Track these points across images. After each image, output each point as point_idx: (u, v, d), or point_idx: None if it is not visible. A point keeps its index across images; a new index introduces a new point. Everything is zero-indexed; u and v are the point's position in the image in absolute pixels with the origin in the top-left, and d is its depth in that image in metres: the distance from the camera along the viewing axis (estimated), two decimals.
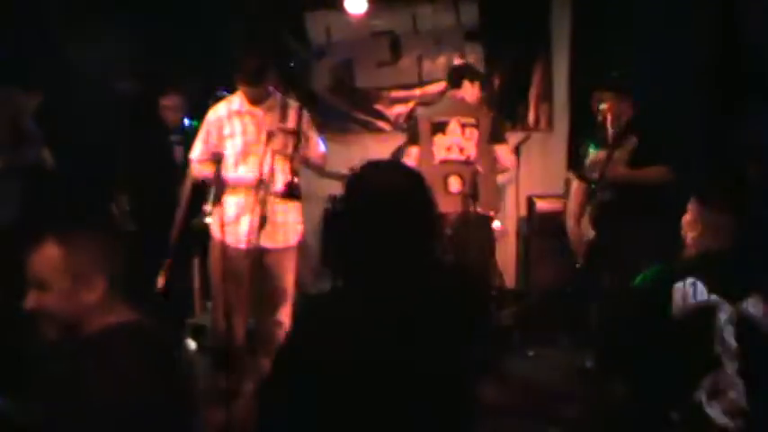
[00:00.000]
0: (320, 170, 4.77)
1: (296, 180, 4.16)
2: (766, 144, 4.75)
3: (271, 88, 4.48)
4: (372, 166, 2.06)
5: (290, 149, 4.23)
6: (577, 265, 5.14)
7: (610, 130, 4.88)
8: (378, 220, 1.95)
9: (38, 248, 2.04)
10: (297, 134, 4.25)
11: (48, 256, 2.03)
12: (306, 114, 4.45)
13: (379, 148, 6.78)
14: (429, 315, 1.93)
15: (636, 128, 4.81)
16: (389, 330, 1.89)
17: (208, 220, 4.22)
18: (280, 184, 4.25)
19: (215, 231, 4.33)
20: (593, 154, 4.97)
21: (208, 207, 4.20)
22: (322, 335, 1.90)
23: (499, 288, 6.48)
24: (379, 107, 7.14)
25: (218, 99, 4.59)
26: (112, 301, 2.09)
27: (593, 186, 4.89)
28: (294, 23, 7.01)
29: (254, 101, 4.40)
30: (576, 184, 5.33)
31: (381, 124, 7.16)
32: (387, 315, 1.90)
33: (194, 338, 5.41)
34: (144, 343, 2.06)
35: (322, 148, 4.63)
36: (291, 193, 4.18)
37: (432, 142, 5.03)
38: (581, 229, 5.10)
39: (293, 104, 4.44)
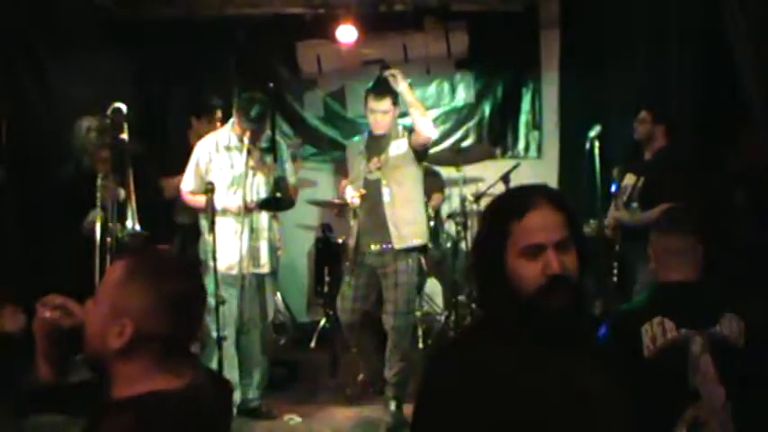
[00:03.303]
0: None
1: (278, 194, 4.53)
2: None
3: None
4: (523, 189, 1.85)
5: (267, 163, 4.63)
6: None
7: (646, 155, 4.89)
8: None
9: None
10: (273, 151, 4.61)
11: (114, 267, 1.72)
12: (281, 141, 4.92)
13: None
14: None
15: (668, 156, 4.77)
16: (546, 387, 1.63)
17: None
18: (261, 195, 4.63)
19: (206, 258, 4.44)
20: (626, 177, 4.94)
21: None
22: (462, 388, 1.65)
23: None
24: None
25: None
26: (153, 367, 1.65)
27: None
28: (285, 53, 7.08)
29: (241, 138, 4.64)
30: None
31: None
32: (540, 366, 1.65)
33: None
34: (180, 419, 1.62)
35: (294, 179, 4.94)
36: (274, 203, 4.58)
37: None
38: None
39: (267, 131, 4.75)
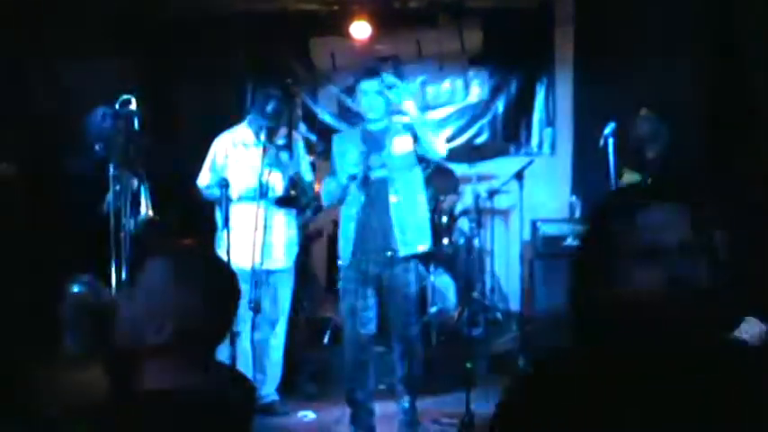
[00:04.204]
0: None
1: (292, 192, 4.63)
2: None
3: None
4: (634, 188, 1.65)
5: (283, 161, 4.69)
6: None
7: (648, 154, 4.88)
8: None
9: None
10: (289, 149, 4.68)
11: (154, 264, 1.71)
12: (298, 137, 4.90)
13: None
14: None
15: (677, 155, 4.75)
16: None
17: None
18: (277, 192, 4.69)
19: (222, 254, 4.43)
20: (627, 177, 4.93)
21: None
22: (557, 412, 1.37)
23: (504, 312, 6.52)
24: None
25: None
26: (184, 364, 1.66)
27: None
28: (299, 49, 7.08)
29: (257, 134, 4.70)
30: None
31: None
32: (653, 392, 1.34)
33: None
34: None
35: (310, 176, 4.94)
36: (289, 201, 4.68)
37: None
38: None
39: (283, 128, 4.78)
